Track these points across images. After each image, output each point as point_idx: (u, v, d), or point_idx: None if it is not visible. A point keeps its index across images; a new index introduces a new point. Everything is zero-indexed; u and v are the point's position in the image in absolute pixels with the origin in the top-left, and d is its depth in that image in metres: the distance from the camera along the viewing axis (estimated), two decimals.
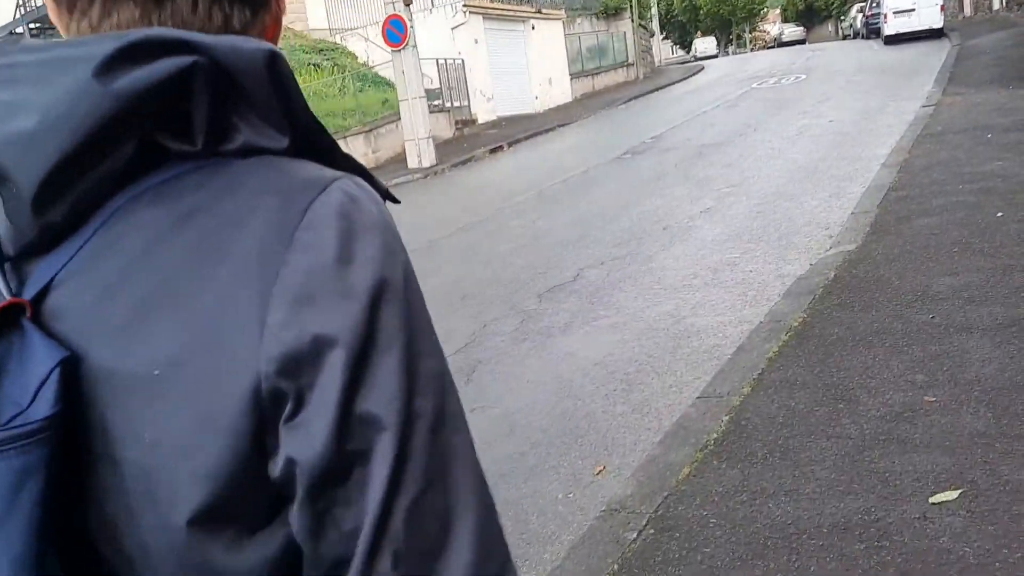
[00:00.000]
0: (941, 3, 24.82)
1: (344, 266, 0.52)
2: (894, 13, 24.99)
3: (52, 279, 0.54)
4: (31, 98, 0.51)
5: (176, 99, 0.52)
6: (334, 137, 0.62)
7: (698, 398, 3.85)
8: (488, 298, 6.28)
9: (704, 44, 54.85)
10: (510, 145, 17.82)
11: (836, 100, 14.88)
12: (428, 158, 16.23)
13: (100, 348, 0.51)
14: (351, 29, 22.54)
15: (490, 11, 21.86)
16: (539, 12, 23.77)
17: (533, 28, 23.44)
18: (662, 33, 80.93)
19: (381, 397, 0.51)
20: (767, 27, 69.30)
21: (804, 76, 20.17)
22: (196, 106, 0.53)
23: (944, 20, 24.80)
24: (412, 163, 16.24)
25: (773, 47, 52.85)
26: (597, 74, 28.55)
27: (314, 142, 0.59)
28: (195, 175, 0.54)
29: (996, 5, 27.63)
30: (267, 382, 0.50)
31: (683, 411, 3.75)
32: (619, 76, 30.23)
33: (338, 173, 0.56)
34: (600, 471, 3.48)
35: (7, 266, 0.56)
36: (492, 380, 4.68)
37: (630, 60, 31.39)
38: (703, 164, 10.71)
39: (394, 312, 0.52)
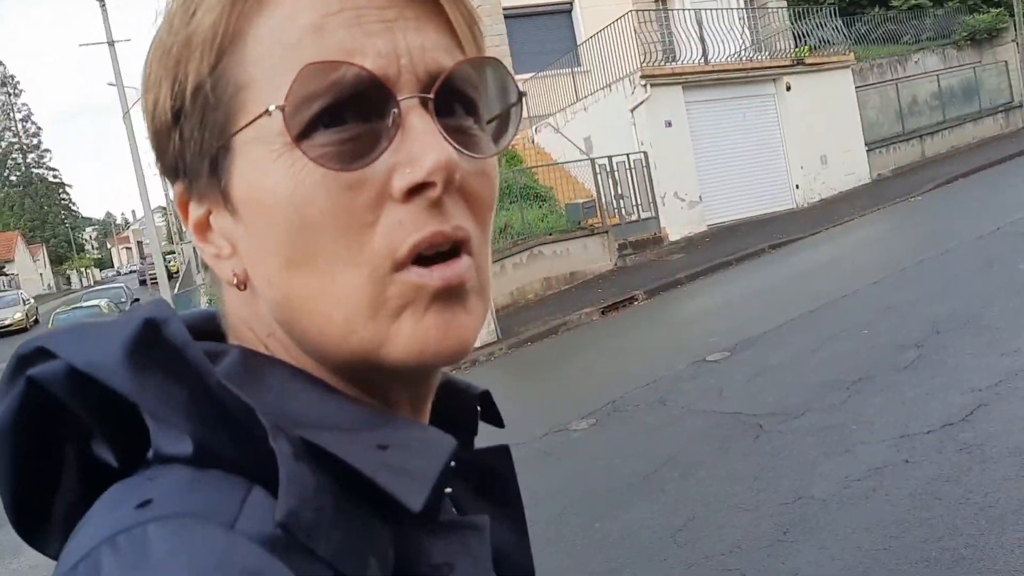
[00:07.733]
0: None
1: None
2: None
3: None
4: None
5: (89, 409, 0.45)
6: None
7: None
8: None
9: None
10: (649, 295, 11.49)
11: None
12: (485, 330, 10.88)
13: None
14: (540, 117, 17.67)
15: (693, 78, 15.22)
16: (798, 63, 16.27)
17: (788, 88, 16.09)
18: None
19: None
20: None
21: None
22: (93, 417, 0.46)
23: None
24: None
25: None
26: (936, 132, 19.49)
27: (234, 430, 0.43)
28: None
29: None
30: None
31: None
32: (985, 128, 20.50)
33: (122, 522, 0.40)
34: None
35: None
36: None
37: (1015, 101, 21.34)
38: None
39: None
